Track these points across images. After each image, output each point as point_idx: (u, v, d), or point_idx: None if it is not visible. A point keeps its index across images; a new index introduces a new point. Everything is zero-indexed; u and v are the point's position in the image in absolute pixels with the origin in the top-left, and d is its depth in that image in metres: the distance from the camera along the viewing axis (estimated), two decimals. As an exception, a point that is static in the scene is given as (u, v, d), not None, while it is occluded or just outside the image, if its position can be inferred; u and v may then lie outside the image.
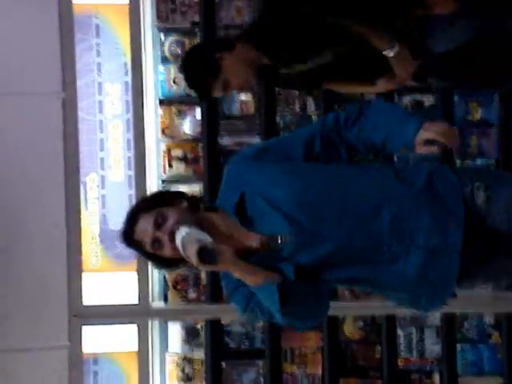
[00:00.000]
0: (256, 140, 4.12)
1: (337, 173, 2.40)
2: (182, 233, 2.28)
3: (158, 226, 2.35)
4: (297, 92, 4.15)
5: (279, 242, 2.35)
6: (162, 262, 2.42)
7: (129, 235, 2.39)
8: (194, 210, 2.38)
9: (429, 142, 2.32)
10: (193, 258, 2.24)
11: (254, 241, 2.36)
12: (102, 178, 4.16)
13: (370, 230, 2.31)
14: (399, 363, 4.04)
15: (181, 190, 4.06)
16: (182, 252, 2.28)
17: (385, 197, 2.33)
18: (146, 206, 2.41)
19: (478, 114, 4.14)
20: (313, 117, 4.15)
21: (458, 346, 4.03)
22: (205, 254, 2.24)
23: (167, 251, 2.35)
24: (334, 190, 2.35)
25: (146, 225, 2.36)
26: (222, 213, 2.39)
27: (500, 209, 2.33)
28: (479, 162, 4.14)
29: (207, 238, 2.25)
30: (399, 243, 2.30)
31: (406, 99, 4.15)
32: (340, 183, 2.37)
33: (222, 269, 2.31)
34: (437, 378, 4.05)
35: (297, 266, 2.31)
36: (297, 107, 4.17)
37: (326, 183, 2.37)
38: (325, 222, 2.32)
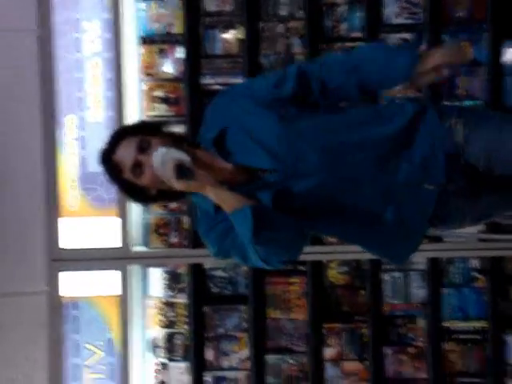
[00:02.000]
0: (239, 80, 4.02)
1: (317, 114, 2.39)
2: (160, 152, 2.26)
3: (142, 150, 2.30)
4: (282, 31, 4.04)
5: (259, 175, 2.33)
6: (136, 193, 2.37)
7: (109, 156, 2.33)
8: (178, 144, 2.34)
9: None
10: (169, 174, 2.23)
11: (234, 174, 2.35)
12: (81, 119, 4.06)
13: (352, 163, 2.31)
14: (384, 308, 4.02)
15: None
16: (159, 172, 2.25)
17: (365, 135, 2.33)
18: (131, 130, 2.37)
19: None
20: (297, 56, 4.04)
21: (444, 291, 4.01)
22: (182, 170, 2.23)
23: (146, 178, 2.30)
24: (314, 128, 2.34)
25: (129, 147, 2.31)
26: (203, 149, 2.38)
27: (476, 146, 2.32)
28: (467, 103, 4.06)
29: (186, 158, 2.26)
30: (381, 180, 2.31)
31: (394, 38, 4.05)
32: (322, 121, 2.36)
33: (197, 188, 2.28)
34: (422, 322, 4.02)
35: (276, 195, 2.30)
36: (281, 46, 4.06)
37: (308, 122, 2.35)
38: (306, 157, 2.31)
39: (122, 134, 2.37)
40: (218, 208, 2.33)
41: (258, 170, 2.35)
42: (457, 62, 2.34)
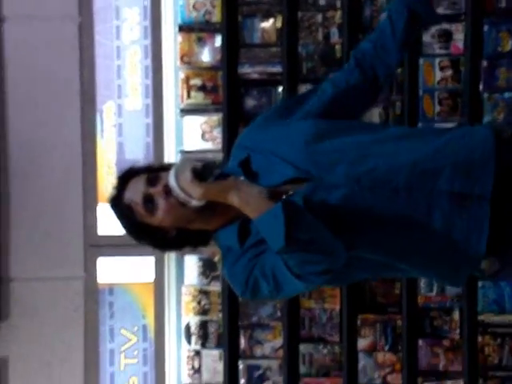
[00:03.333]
0: (277, 69, 4.01)
1: (355, 124, 2.28)
2: (172, 170, 2.11)
3: (151, 183, 2.15)
4: (320, 20, 4.03)
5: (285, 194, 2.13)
6: (154, 236, 2.18)
7: (119, 198, 2.17)
8: None
9: None
10: (189, 181, 2.06)
11: None
12: (119, 106, 4.09)
13: (384, 172, 2.14)
14: (419, 300, 3.99)
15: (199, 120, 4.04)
16: (177, 189, 2.08)
17: (402, 145, 2.18)
18: (137, 170, 2.21)
19: (508, 45, 4.00)
20: (336, 46, 4.02)
21: (479, 284, 3.98)
22: (200, 170, 2.07)
23: (161, 212, 2.12)
24: (346, 136, 2.21)
25: (138, 184, 2.15)
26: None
27: None
28: (507, 95, 4.02)
29: (198, 161, 2.11)
30: (419, 188, 2.13)
31: (434, 28, 4.02)
32: (354, 130, 2.24)
33: (220, 191, 2.08)
34: (457, 315, 4.00)
35: (307, 196, 2.11)
36: (320, 36, 4.05)
37: (338, 140, 2.21)
38: (332, 168, 2.15)
39: (128, 175, 2.21)
40: (242, 239, 2.15)
41: (283, 185, 2.16)
42: None
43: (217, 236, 2.24)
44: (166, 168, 2.18)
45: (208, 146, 4.05)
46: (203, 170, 2.08)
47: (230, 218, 2.19)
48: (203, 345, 4.08)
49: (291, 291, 2.18)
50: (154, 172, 2.19)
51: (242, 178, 2.17)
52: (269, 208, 2.03)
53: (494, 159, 2.15)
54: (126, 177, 2.20)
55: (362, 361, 4.02)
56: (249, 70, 4.06)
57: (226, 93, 4.02)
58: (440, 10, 4.01)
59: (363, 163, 2.16)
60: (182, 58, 4.07)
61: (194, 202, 2.11)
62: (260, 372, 4.06)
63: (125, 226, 2.22)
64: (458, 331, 4.00)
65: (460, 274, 2.24)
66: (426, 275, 2.40)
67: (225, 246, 2.21)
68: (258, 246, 2.14)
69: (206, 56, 4.08)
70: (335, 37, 4.04)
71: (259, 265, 2.13)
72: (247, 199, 2.08)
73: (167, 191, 2.12)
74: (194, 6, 4.08)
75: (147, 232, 2.18)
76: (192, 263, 4.12)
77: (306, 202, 2.11)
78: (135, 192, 2.15)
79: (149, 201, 2.14)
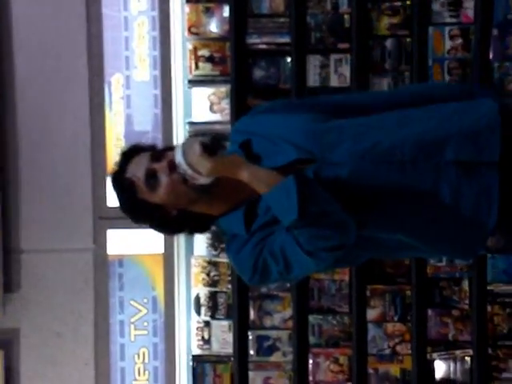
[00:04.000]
0: (285, 39, 4.00)
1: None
2: (179, 146, 2.04)
3: (155, 158, 2.09)
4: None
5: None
6: (155, 216, 2.11)
7: (119, 173, 2.12)
8: None
9: None
10: (197, 155, 1.98)
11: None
12: (127, 77, 4.08)
13: (388, 146, 2.10)
14: (428, 270, 3.99)
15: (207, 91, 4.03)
16: (184, 166, 2.01)
17: (406, 113, 2.17)
18: (142, 147, 2.15)
19: (519, 12, 3.98)
20: (345, 16, 3.99)
21: (489, 254, 3.97)
22: (210, 144, 1.99)
23: (163, 188, 2.07)
24: (347, 122, 2.17)
25: (142, 160, 2.09)
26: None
27: None
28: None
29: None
30: (425, 160, 2.10)
31: (443, -4, 4.00)
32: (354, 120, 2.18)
33: (230, 166, 2.03)
34: (466, 285, 4.00)
35: (317, 171, 2.07)
36: (328, 6, 4.02)
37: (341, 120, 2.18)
38: (335, 146, 2.11)
39: (133, 151, 2.15)
40: (249, 225, 2.11)
41: (287, 168, 2.11)
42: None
43: (219, 223, 2.19)
44: (172, 148, 2.13)
45: (216, 117, 4.03)
46: (212, 143, 2.02)
47: (233, 203, 2.14)
48: (213, 316, 4.09)
49: (302, 271, 2.13)
50: (160, 151, 2.14)
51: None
52: (280, 182, 2.00)
53: (500, 125, 2.12)
54: (129, 153, 2.14)
55: (372, 331, 4.03)
56: (257, 41, 4.04)
57: (234, 64, 4.01)
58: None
59: (365, 139, 2.13)
60: (189, 29, 4.05)
61: (202, 180, 2.06)
62: (269, 343, 4.07)
63: (124, 203, 2.15)
64: (467, 301, 4.00)
65: (470, 248, 2.20)
66: (436, 251, 2.31)
67: (228, 232, 2.16)
68: (265, 229, 2.11)
69: (213, 27, 4.06)
70: (344, 6, 4.01)
71: (268, 246, 2.08)
72: (258, 173, 2.05)
73: (172, 167, 2.06)
74: (201, -23, 4.07)
75: (146, 210, 2.12)
76: (201, 235, 4.13)
77: (316, 176, 2.08)
78: (138, 167, 2.09)
79: (151, 176, 2.08)
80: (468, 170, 2.10)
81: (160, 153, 2.12)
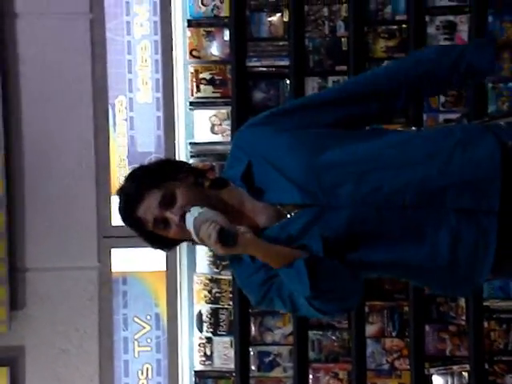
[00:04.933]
0: (285, 62, 4.07)
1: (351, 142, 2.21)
2: (193, 214, 2.09)
3: (167, 205, 2.14)
4: (326, 14, 4.08)
5: (289, 214, 2.16)
6: (161, 242, 2.22)
7: (131, 213, 2.16)
8: (200, 185, 2.19)
9: None
10: (211, 241, 2.04)
11: (264, 214, 2.18)
12: (130, 100, 4.15)
13: (389, 192, 2.12)
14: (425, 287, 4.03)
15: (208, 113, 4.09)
16: (194, 235, 2.08)
17: (405, 156, 2.15)
18: (151, 181, 2.17)
19: (512, 35, 4.05)
20: (342, 39, 4.08)
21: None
22: (224, 237, 2.03)
23: (172, 232, 2.16)
24: (347, 145, 2.18)
25: (152, 203, 2.14)
26: (230, 185, 2.20)
27: None
28: (511, 85, 4.06)
29: (222, 218, 2.06)
30: (426, 206, 2.12)
31: (438, 20, 4.07)
32: (354, 150, 2.18)
33: (242, 252, 2.10)
34: (462, 301, 4.04)
35: (325, 242, 2.12)
36: (326, 29, 4.10)
37: (341, 152, 2.17)
38: (337, 188, 2.14)
39: (142, 187, 2.16)
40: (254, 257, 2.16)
41: (288, 206, 2.17)
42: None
43: None
44: (173, 175, 2.19)
45: (217, 138, 4.11)
46: (226, 234, 2.05)
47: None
48: (214, 332, 4.14)
49: (309, 315, 2.22)
50: (168, 183, 2.17)
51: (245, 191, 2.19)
52: (290, 259, 2.08)
53: (500, 174, 2.13)
54: (140, 190, 2.17)
55: (370, 347, 4.08)
56: (257, 64, 4.11)
57: (235, 86, 4.08)
58: (444, 2, 4.07)
59: (367, 182, 2.14)
60: (191, 53, 4.12)
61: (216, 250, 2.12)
62: (270, 358, 4.11)
63: (136, 233, 2.23)
64: (463, 317, 4.04)
65: (467, 289, 2.27)
66: (433, 289, 2.41)
67: (235, 256, 2.21)
68: (270, 268, 2.16)
69: (214, 50, 4.13)
70: (341, 30, 4.09)
71: (275, 287, 2.16)
72: (269, 252, 2.11)
73: (183, 221, 2.13)
74: (202, 2, 4.13)
75: (154, 238, 2.22)
76: (203, 252, 4.17)
77: (325, 244, 2.12)
78: (148, 211, 2.15)
79: (162, 222, 2.17)
80: (468, 216, 2.13)
81: (170, 195, 2.16)
